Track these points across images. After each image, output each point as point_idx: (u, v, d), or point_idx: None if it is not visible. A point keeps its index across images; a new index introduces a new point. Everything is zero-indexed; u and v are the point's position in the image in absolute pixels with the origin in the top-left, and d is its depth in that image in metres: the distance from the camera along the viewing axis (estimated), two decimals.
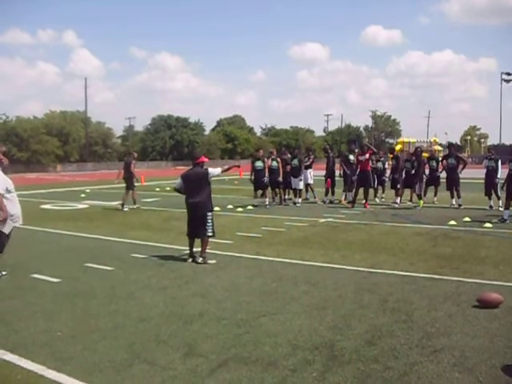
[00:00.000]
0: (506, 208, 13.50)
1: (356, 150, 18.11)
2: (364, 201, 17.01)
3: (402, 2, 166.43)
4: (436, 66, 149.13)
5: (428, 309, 6.17)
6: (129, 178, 17.79)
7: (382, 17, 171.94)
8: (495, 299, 6.20)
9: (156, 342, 5.23)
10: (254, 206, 17.39)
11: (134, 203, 17.63)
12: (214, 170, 9.01)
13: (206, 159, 9.28)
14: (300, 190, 18.23)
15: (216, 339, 5.25)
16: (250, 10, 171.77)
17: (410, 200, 17.88)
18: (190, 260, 8.90)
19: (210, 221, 8.86)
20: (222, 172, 9.22)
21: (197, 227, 8.89)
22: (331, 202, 18.50)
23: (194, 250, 9.00)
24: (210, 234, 8.90)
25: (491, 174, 16.05)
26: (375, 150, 18.07)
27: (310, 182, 19.11)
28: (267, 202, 17.53)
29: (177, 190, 9.24)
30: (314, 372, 4.42)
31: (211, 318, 5.91)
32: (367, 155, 16.97)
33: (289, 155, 18.79)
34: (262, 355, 4.80)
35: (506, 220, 13.34)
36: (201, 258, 8.76)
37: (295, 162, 18.16)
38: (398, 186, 17.91)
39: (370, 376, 4.35)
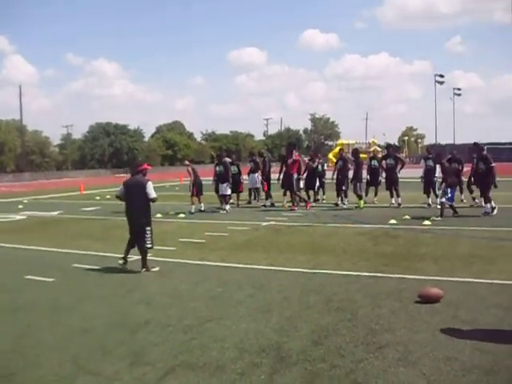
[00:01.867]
0: (487, 202, 14.33)
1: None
2: (291, 204, 17.39)
3: (338, 7, 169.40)
4: (372, 68, 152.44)
5: (372, 306, 6.27)
6: None
7: (318, 21, 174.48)
8: (436, 294, 6.38)
9: (101, 352, 5.12)
10: (201, 211, 17.35)
11: None
12: (151, 191, 8.67)
13: (148, 167, 9.15)
14: (227, 196, 17.89)
15: (163, 346, 5.18)
16: (188, 15, 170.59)
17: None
18: (122, 262, 8.74)
19: (148, 232, 8.70)
20: (152, 201, 8.89)
21: (136, 237, 8.76)
22: (272, 205, 18.54)
23: (135, 257, 8.88)
24: (149, 246, 8.74)
25: (430, 172, 16.56)
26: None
27: (258, 185, 19.21)
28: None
29: (118, 197, 9.07)
30: (262, 374, 4.42)
31: (157, 326, 5.84)
32: (291, 160, 17.25)
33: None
34: (209, 360, 4.77)
35: (489, 213, 14.10)
36: (144, 269, 8.62)
37: (221, 168, 17.82)
38: (343, 188, 18.07)
39: (317, 375, 4.38)
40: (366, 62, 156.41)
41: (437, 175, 16.17)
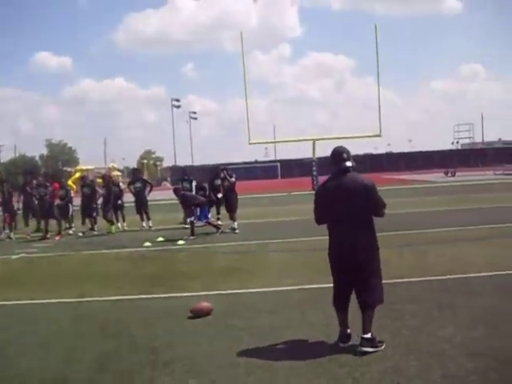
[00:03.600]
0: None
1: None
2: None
3: (72, 31, 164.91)
4: (108, 92, 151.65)
5: (148, 327, 6.40)
6: None
7: (51, 44, 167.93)
8: (206, 308, 6.74)
9: None
10: None
11: None
12: None
13: None
14: None
15: None
16: None
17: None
18: None
19: None
20: None
21: None
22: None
23: None
24: None
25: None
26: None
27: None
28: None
29: None
30: None
31: None
32: (51, 187, 16.94)
33: None
34: None
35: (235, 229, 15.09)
36: None
37: None
38: (94, 214, 17.72)
39: None
40: (101, 85, 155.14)
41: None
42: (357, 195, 5.12)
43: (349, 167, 5.22)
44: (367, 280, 5.20)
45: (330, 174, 5.40)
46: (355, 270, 5.18)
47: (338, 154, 5.30)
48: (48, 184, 17.75)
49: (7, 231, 17.54)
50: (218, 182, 16.09)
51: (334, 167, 5.31)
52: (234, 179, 15.83)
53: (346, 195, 5.13)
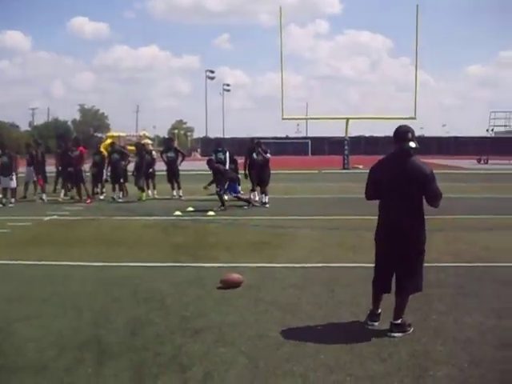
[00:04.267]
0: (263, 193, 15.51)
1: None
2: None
3: None
4: (142, 60, 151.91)
5: (178, 295, 6.50)
6: None
7: (88, 9, 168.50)
8: (237, 279, 6.83)
9: None
10: None
11: None
12: None
13: None
14: (13, 189, 17.01)
15: None
16: None
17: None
18: None
19: None
20: None
21: None
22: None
23: None
24: None
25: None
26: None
27: (35, 179, 18.22)
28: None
29: None
30: (89, 368, 4.39)
31: None
32: (78, 152, 17.23)
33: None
34: (28, 361, 4.56)
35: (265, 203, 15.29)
36: None
37: (4, 159, 16.81)
38: (122, 180, 17.92)
39: (143, 363, 4.49)
40: (135, 53, 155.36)
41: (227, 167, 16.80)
42: (412, 182, 4.99)
43: (412, 148, 5.07)
44: (409, 266, 5.13)
45: (391, 152, 5.28)
46: (399, 254, 5.11)
47: (402, 133, 5.14)
48: (74, 148, 17.98)
49: (39, 193, 17.90)
50: (255, 156, 16.10)
51: (396, 146, 5.17)
52: (269, 155, 15.84)
53: (402, 180, 5.02)
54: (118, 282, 7.15)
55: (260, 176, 15.68)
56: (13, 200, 16.82)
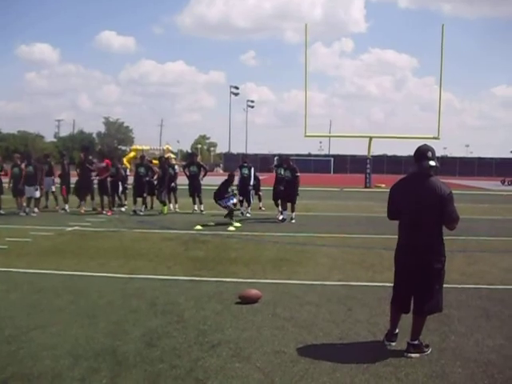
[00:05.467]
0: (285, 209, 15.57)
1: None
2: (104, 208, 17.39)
3: (136, 11, 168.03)
4: (168, 75, 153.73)
5: (196, 309, 6.49)
6: None
7: (115, 23, 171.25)
8: (255, 295, 6.81)
9: None
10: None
11: None
12: None
13: None
14: (37, 199, 17.35)
15: None
16: None
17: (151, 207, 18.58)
18: None
19: None
20: None
21: None
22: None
23: None
24: None
25: (246, 181, 17.04)
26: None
27: (54, 189, 18.51)
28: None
29: None
30: (103, 379, 4.39)
31: None
32: (104, 164, 17.58)
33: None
34: (43, 369, 4.58)
35: (285, 220, 15.47)
36: None
37: (30, 168, 17.09)
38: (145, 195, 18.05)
39: (159, 375, 4.48)
40: (162, 68, 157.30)
41: (251, 183, 16.93)
42: (431, 202, 4.96)
43: (432, 167, 5.04)
44: (428, 286, 5.06)
45: (411, 172, 5.28)
46: (418, 274, 5.05)
47: (422, 152, 5.12)
48: (95, 161, 18.29)
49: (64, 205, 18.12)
50: (282, 171, 16.22)
51: (416, 165, 5.14)
52: (298, 174, 15.88)
53: (420, 200, 5.00)
54: (136, 294, 7.17)
55: (288, 192, 15.72)
56: (36, 210, 17.08)
